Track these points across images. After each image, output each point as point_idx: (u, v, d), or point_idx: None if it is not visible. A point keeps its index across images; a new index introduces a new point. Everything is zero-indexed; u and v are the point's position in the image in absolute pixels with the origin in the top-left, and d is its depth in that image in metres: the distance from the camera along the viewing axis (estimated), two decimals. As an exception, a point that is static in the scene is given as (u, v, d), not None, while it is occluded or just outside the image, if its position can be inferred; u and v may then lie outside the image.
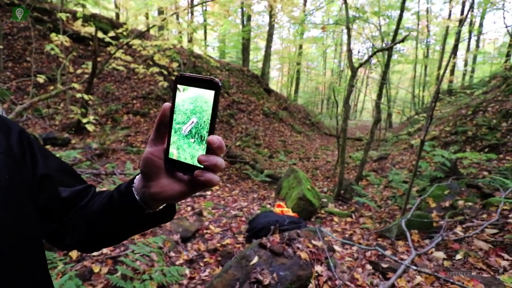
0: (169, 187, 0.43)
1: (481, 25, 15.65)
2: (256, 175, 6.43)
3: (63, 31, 7.60)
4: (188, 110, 0.40)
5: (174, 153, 0.42)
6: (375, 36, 12.67)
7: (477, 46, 17.53)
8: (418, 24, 15.98)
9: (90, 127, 5.53)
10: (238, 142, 8.53)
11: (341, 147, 5.17)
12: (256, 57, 23.81)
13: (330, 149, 11.19)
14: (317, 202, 4.14)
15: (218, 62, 13.36)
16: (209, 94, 0.39)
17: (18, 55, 8.28)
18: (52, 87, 7.13)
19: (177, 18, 9.28)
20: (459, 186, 3.82)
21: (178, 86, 0.40)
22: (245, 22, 15.70)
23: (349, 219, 3.86)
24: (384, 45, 7.88)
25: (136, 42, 6.65)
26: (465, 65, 16.97)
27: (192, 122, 0.40)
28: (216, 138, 0.39)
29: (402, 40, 4.80)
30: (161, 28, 10.48)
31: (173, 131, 0.41)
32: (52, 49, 5.58)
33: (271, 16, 12.88)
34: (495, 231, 2.67)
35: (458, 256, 2.41)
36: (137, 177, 0.48)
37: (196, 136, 0.40)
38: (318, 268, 2.17)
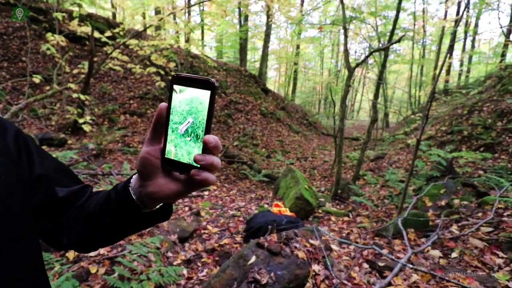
0: (166, 186, 0.43)
1: (476, 25, 15.79)
2: (253, 175, 6.44)
3: (59, 31, 7.55)
4: (184, 110, 0.41)
5: (171, 153, 0.42)
6: (371, 36, 12.73)
7: (473, 46, 17.68)
8: (415, 25, 16.07)
9: (86, 128, 5.50)
10: (236, 142, 8.53)
11: (338, 147, 5.19)
12: (253, 57, 23.82)
13: (328, 148, 11.22)
14: (314, 201, 4.15)
15: (216, 62, 13.35)
16: (205, 94, 0.39)
17: (14, 55, 8.21)
18: (48, 87, 7.08)
19: (174, 18, 9.26)
20: (455, 185, 3.85)
21: (174, 86, 0.41)
22: (242, 22, 15.70)
23: (346, 218, 3.88)
24: (380, 45, 7.93)
25: (133, 42, 6.63)
26: (461, 65, 17.12)
27: (188, 122, 0.41)
28: (212, 138, 0.39)
29: (398, 40, 4.83)
30: (158, 28, 10.46)
31: (169, 130, 0.42)
32: (48, 49, 5.54)
33: (268, 16, 12.90)
34: (490, 229, 2.70)
35: (454, 254, 2.44)
36: (134, 176, 0.48)
37: (193, 135, 0.41)
38: (316, 267, 2.18)
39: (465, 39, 15.87)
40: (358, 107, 29.02)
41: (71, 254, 2.29)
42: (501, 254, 2.33)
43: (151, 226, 0.54)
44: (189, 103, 0.40)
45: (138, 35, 7.77)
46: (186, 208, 4.05)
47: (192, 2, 9.44)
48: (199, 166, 0.40)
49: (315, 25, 12.92)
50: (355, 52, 22.00)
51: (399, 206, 3.46)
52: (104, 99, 8.20)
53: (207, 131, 0.40)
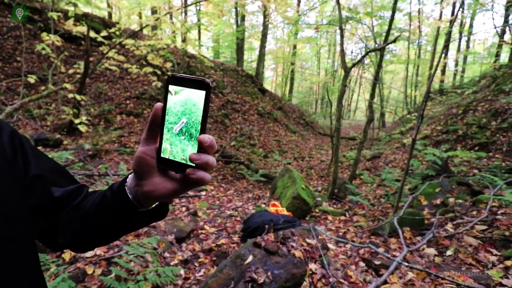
0: (162, 185, 0.44)
1: (471, 26, 15.95)
2: (251, 175, 6.44)
3: (55, 31, 7.49)
4: (179, 111, 0.41)
5: (166, 152, 0.43)
6: (368, 37, 12.80)
7: (468, 46, 17.86)
8: (410, 25, 16.20)
9: (82, 128, 5.46)
10: (233, 142, 8.53)
11: (334, 147, 5.22)
12: (250, 57, 23.82)
13: (324, 148, 11.27)
14: (311, 201, 4.17)
15: (212, 62, 13.33)
16: (200, 95, 0.40)
17: (8, 54, 8.13)
18: (43, 88, 7.02)
19: (171, 18, 9.23)
20: (450, 184, 3.89)
21: (170, 86, 0.41)
22: (239, 22, 15.69)
23: (343, 218, 3.90)
24: (376, 45, 7.98)
25: (129, 41, 6.60)
26: (456, 65, 17.28)
27: (183, 122, 0.41)
28: (207, 137, 0.40)
29: (394, 41, 4.87)
30: (154, 27, 10.42)
31: (165, 130, 0.42)
32: (43, 48, 5.49)
33: (265, 16, 12.91)
34: (484, 227, 2.74)
35: (449, 252, 2.47)
36: (129, 176, 0.48)
37: (188, 135, 0.41)
38: (312, 266, 2.20)
39: (460, 39, 16.03)
40: (355, 107, 29.16)
41: (67, 255, 2.28)
42: (495, 251, 2.36)
43: (147, 225, 0.54)
44: (184, 103, 0.41)
45: (135, 34, 7.74)
46: (183, 208, 4.04)
47: (188, 2, 9.42)
48: (194, 165, 0.41)
49: (311, 25, 12.95)
50: (352, 52, 22.11)
51: (395, 205, 3.49)
52: (100, 99, 8.15)
53: (202, 130, 0.41)
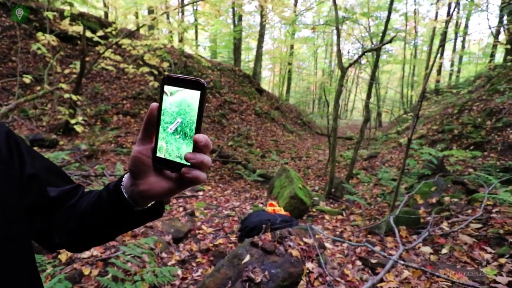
0: (157, 184, 0.44)
1: (466, 26, 16.09)
2: (248, 175, 6.45)
3: (50, 30, 7.44)
4: (174, 111, 0.42)
5: (162, 152, 0.43)
6: (364, 37, 12.87)
7: (463, 47, 18.01)
8: (406, 25, 16.31)
9: (78, 128, 5.43)
10: (230, 142, 8.53)
11: (331, 146, 5.24)
12: (247, 57, 23.82)
13: (322, 148, 11.30)
14: (308, 200, 4.19)
15: (210, 62, 13.31)
16: (195, 95, 0.41)
17: (3, 54, 8.05)
18: (39, 88, 6.97)
19: (168, 18, 9.20)
20: (446, 183, 3.93)
21: (165, 87, 0.42)
22: (236, 22, 15.69)
23: (340, 217, 3.92)
24: (373, 45, 8.03)
25: (126, 41, 6.57)
26: (452, 65, 17.44)
27: (178, 122, 0.42)
28: (202, 137, 0.40)
29: (390, 41, 4.90)
30: (151, 27, 10.38)
31: (160, 130, 0.43)
32: (39, 48, 5.46)
33: (262, 16, 12.92)
34: (479, 225, 2.77)
35: (444, 251, 2.49)
36: (125, 175, 0.49)
37: (183, 135, 0.42)
38: (309, 265, 2.21)
39: (455, 39, 16.17)
40: (352, 107, 29.28)
41: (63, 256, 2.27)
42: (489, 249, 2.39)
43: (143, 225, 0.54)
44: (179, 103, 0.41)
45: (131, 34, 7.71)
46: (181, 209, 4.04)
47: (185, 2, 9.39)
48: (189, 164, 0.41)
49: (308, 25, 12.99)
50: (348, 52, 22.19)
51: (392, 204, 3.52)
52: (97, 100, 8.10)
53: (198, 130, 0.41)
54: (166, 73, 0.50)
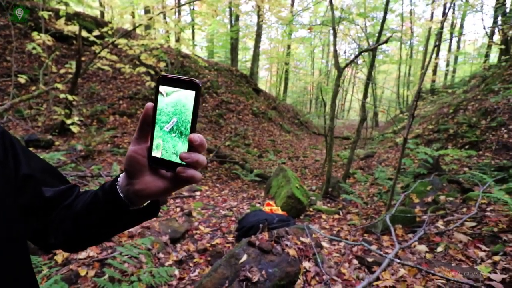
0: (153, 184, 0.44)
1: (461, 26, 16.23)
2: (245, 175, 6.45)
3: (45, 30, 7.37)
4: (169, 110, 0.42)
5: (159, 149, 0.43)
6: (360, 37, 12.93)
7: (458, 47, 18.19)
8: (402, 26, 16.42)
9: (74, 129, 5.40)
10: (228, 142, 8.52)
11: (328, 146, 5.26)
12: (244, 57, 23.81)
13: (319, 148, 11.34)
14: (305, 200, 4.20)
15: (207, 62, 13.29)
16: (190, 95, 0.41)
17: (-3, 54, 7.97)
18: (34, 88, 6.91)
19: (164, 17, 9.18)
20: (441, 181, 3.97)
21: (160, 87, 0.42)
22: (233, 22, 15.68)
23: (336, 216, 3.94)
24: (369, 46, 8.07)
25: (122, 41, 6.54)
26: (447, 65, 17.58)
27: (173, 121, 0.42)
28: (197, 136, 0.41)
29: (386, 41, 4.93)
30: (147, 27, 10.34)
31: (157, 128, 0.43)
32: (34, 48, 5.41)
33: (259, 16, 12.92)
34: (473, 224, 2.80)
35: (439, 249, 2.52)
36: (121, 175, 0.49)
37: (178, 134, 0.42)
38: (306, 264, 2.22)
39: (450, 39, 16.32)
40: (349, 107, 29.40)
41: (59, 257, 2.26)
42: (483, 247, 2.42)
43: (138, 224, 0.54)
44: (174, 103, 0.42)
45: (127, 34, 7.67)
46: (178, 209, 4.03)
47: (182, 2, 9.38)
48: (184, 163, 0.42)
49: (305, 25, 13.02)
50: (345, 52, 22.30)
51: (388, 203, 3.54)
52: (93, 100, 8.05)
53: (193, 129, 0.42)
54: (163, 73, 0.50)
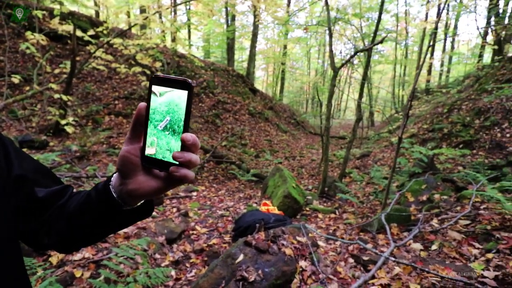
0: (146, 183, 0.44)
1: (455, 27, 16.40)
2: (242, 175, 6.45)
3: (39, 29, 7.29)
4: (163, 110, 0.42)
5: (150, 151, 0.43)
6: (356, 37, 13.01)
7: (452, 47, 18.37)
8: (397, 26, 16.54)
9: (69, 129, 5.35)
10: (224, 142, 8.51)
11: (325, 146, 5.28)
12: (241, 57, 23.79)
13: (315, 147, 11.38)
14: (302, 199, 4.22)
15: (203, 61, 13.25)
16: (183, 94, 0.41)
17: (-10, 54, 7.86)
18: (28, 88, 6.83)
19: (160, 17, 9.13)
20: (436, 180, 4.00)
21: (153, 87, 0.42)
22: (229, 22, 15.66)
23: (333, 215, 3.96)
24: (364, 46, 8.12)
25: (117, 41, 6.50)
26: (442, 65, 17.74)
27: (167, 121, 0.42)
28: (190, 136, 0.41)
29: (381, 41, 4.97)
30: (143, 27, 10.27)
31: (149, 129, 0.43)
32: (28, 48, 5.35)
33: (255, 16, 12.92)
34: (467, 222, 2.83)
35: (434, 247, 2.54)
36: (114, 175, 0.49)
37: (171, 133, 0.42)
38: (303, 263, 2.23)
39: (445, 40, 16.48)
40: (345, 107, 29.54)
41: (54, 259, 2.24)
42: (477, 245, 2.45)
43: (132, 224, 0.54)
44: (167, 103, 0.42)
45: (123, 34, 7.62)
46: (174, 209, 4.02)
47: (178, 1, 9.34)
48: (178, 163, 0.42)
49: (301, 25, 13.06)
50: (341, 52, 22.38)
51: (383, 202, 3.57)
52: (88, 100, 7.99)
53: (186, 129, 0.42)
54: (160, 72, 0.50)
